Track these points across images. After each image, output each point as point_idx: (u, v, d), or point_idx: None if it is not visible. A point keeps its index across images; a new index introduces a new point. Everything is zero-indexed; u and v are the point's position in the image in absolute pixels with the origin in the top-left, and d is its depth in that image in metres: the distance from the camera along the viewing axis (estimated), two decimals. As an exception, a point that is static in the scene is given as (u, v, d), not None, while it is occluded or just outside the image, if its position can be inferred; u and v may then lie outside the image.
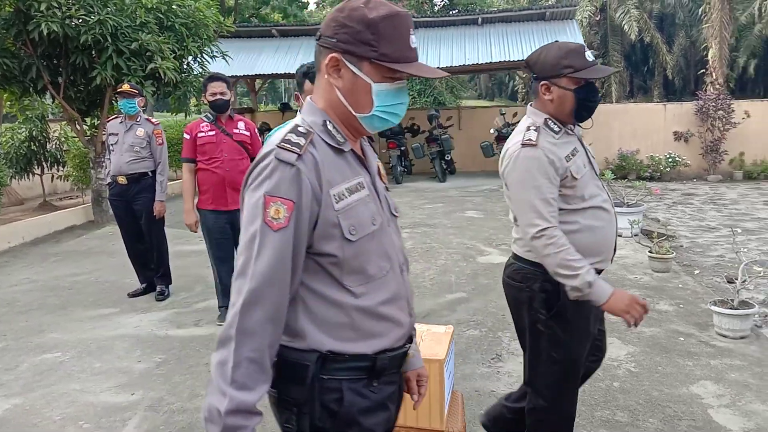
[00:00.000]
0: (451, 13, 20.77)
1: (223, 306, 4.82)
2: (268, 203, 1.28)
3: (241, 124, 4.70)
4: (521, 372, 3.77)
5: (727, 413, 3.26)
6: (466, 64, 11.58)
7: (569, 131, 2.25)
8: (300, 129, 1.36)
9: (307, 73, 2.83)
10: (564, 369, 2.27)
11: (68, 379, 3.90)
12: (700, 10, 22.15)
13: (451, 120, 13.59)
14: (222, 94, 4.48)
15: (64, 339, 4.58)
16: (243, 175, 4.61)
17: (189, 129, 4.62)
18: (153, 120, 5.52)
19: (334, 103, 1.39)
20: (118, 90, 5.40)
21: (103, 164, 8.98)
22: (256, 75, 12.84)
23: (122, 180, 5.32)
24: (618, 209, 7.23)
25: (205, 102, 4.56)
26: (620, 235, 7.17)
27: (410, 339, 1.53)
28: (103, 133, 8.81)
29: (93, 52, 7.74)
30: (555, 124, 2.19)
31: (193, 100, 9.30)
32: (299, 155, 1.30)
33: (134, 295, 5.53)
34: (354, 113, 1.39)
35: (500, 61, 11.71)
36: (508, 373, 3.80)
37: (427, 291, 5.43)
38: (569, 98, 2.14)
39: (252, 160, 4.82)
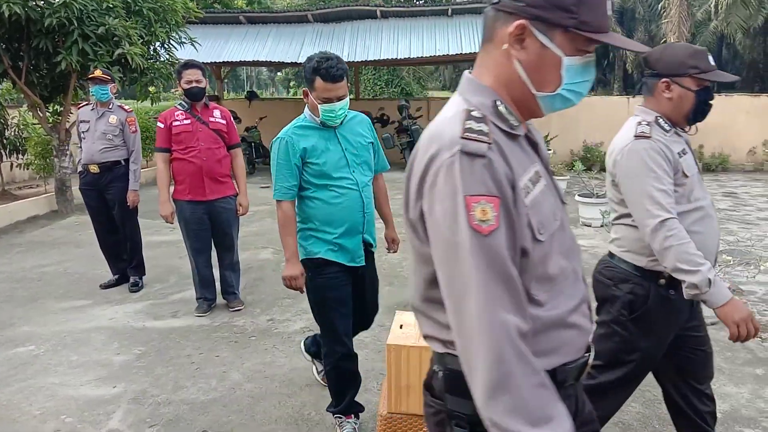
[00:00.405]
0: (420, 2, 20.77)
1: (201, 297, 4.78)
2: (470, 205, 1.07)
3: (216, 113, 4.60)
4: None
5: (704, 396, 3.38)
6: (437, 54, 11.61)
7: (678, 132, 2.21)
8: (475, 114, 1.15)
9: (318, 69, 2.64)
10: (625, 373, 2.26)
11: (45, 372, 3.80)
12: (660, 5, 22.69)
13: (421, 111, 13.63)
14: (198, 81, 4.38)
15: (36, 332, 4.45)
16: (220, 164, 4.37)
17: (163, 117, 4.49)
18: (126, 107, 5.38)
19: (510, 79, 1.19)
20: (90, 76, 5.24)
21: (67, 152, 8.74)
22: (223, 62, 12.62)
23: (94, 169, 5.18)
24: (587, 200, 7.42)
25: (180, 90, 4.47)
26: (590, 225, 7.36)
27: (589, 348, 1.33)
28: (68, 120, 8.58)
29: (57, 36, 7.47)
30: (666, 122, 2.17)
31: (152, 88, 9.04)
32: (489, 144, 1.11)
33: (107, 286, 5.41)
34: (534, 91, 1.19)
35: (470, 53, 11.77)
36: (492, 360, 3.86)
37: (405, 281, 5.45)
38: (690, 98, 2.12)
39: (229, 149, 4.46)
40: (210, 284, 4.79)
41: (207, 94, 4.57)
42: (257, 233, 7.33)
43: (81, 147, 5.28)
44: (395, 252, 3.38)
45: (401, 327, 2.32)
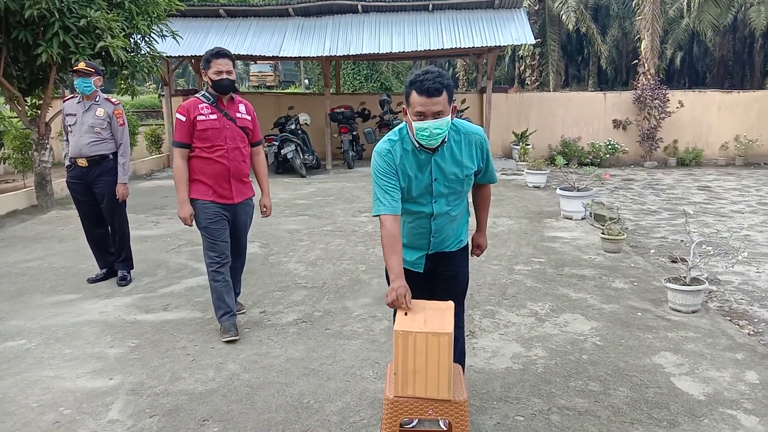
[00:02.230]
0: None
1: (228, 312, 4.16)
2: None
3: (242, 107, 4.18)
4: (495, 348, 3.97)
5: (688, 380, 3.52)
6: (418, 49, 11.68)
7: None
8: None
9: (414, 82, 2.45)
10: None
11: (39, 366, 3.78)
12: (634, 2, 23.04)
13: (402, 105, 13.68)
14: (228, 72, 3.93)
15: (26, 326, 4.42)
16: (246, 164, 4.11)
17: (185, 110, 3.98)
18: (113, 99, 5.34)
19: None
20: (74, 68, 5.19)
21: (47, 146, 8.62)
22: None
23: (83, 162, 5.14)
24: (568, 193, 7.57)
25: (210, 81, 3.95)
26: (571, 218, 7.51)
27: None
28: (47, 113, 8.45)
29: (37, 28, 7.35)
30: None
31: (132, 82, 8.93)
32: None
33: (95, 281, 5.38)
34: None
35: (450, 48, 11.86)
36: (483, 348, 3.96)
37: (394, 273, 5.52)
38: None
39: (253, 146, 4.19)
40: (231, 294, 4.26)
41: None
42: (243, 227, 7.32)
43: (67, 140, 5.22)
44: (478, 256, 3.32)
45: (406, 314, 2.39)
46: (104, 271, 5.45)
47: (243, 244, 4.42)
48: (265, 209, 4.37)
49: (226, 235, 4.13)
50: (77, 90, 5.16)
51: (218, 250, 4.09)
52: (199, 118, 3.97)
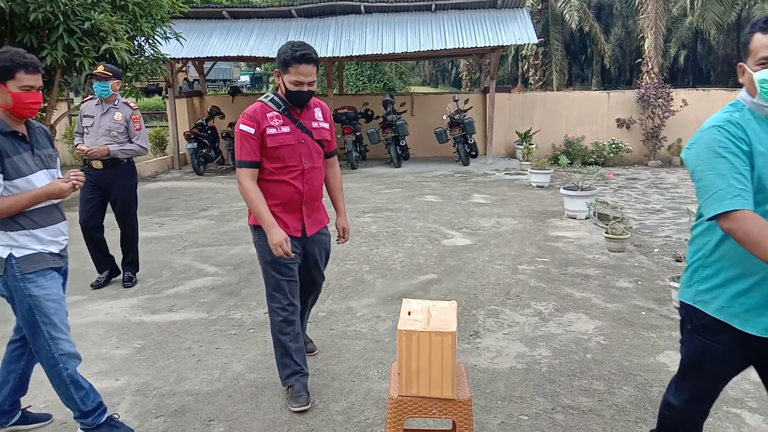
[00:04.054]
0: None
1: (298, 372, 3.31)
2: None
3: (318, 113, 3.31)
4: (499, 347, 3.97)
5: (692, 379, 3.52)
6: (421, 49, 11.69)
7: None
8: None
9: None
10: None
11: (46, 367, 3.80)
12: (637, 1, 23.01)
13: (405, 106, 13.72)
14: (310, 84, 3.09)
15: (32, 327, 4.45)
16: (321, 185, 3.36)
17: (252, 119, 3.11)
18: (131, 104, 5.28)
19: None
20: (92, 72, 5.18)
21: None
22: (207, 57, 12.55)
23: (98, 165, 5.08)
24: (572, 193, 7.57)
25: (284, 87, 3.11)
26: (575, 218, 7.51)
27: None
28: (53, 115, 8.50)
29: (42, 31, 7.40)
30: None
31: (137, 84, 8.99)
32: None
33: (98, 286, 5.30)
34: None
35: (453, 48, 11.87)
36: (487, 348, 3.97)
37: (398, 273, 5.54)
38: None
39: (327, 157, 3.41)
40: (303, 349, 3.40)
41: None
42: (246, 228, 7.31)
43: (83, 142, 5.15)
44: None
45: (409, 314, 2.40)
46: (105, 274, 5.40)
47: (319, 283, 3.60)
48: (343, 233, 3.55)
49: (297, 273, 3.29)
50: (95, 93, 5.16)
51: (287, 293, 3.22)
52: (270, 131, 3.11)
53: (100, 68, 5.09)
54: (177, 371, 3.71)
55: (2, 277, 2.73)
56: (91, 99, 5.28)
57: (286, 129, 3.14)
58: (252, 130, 3.09)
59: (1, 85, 2.64)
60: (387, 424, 2.38)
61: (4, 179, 2.64)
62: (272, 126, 3.12)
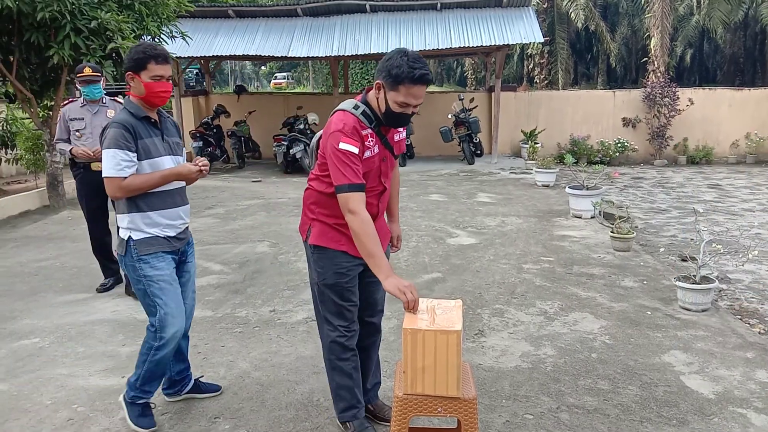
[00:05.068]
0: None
1: (359, 422, 2.94)
2: None
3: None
4: (504, 346, 3.97)
5: (698, 379, 3.52)
6: (427, 48, 11.68)
7: None
8: None
9: None
10: None
11: (52, 364, 3.83)
12: (643, 0, 22.94)
13: (410, 104, 13.69)
14: (416, 107, 2.62)
15: (39, 325, 4.48)
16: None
17: (354, 136, 2.60)
18: (119, 99, 5.26)
19: None
20: (80, 76, 5.02)
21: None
22: (213, 56, 12.58)
23: (97, 167, 4.80)
24: (578, 192, 7.55)
25: (384, 104, 2.60)
26: (580, 217, 7.50)
27: None
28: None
29: (49, 30, 7.43)
30: None
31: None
32: None
33: (105, 289, 5.21)
34: None
35: (459, 47, 11.86)
36: (492, 347, 3.97)
37: (402, 272, 5.54)
38: None
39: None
40: (360, 380, 3.01)
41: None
42: (252, 227, 7.37)
43: (77, 146, 5.03)
44: None
45: (413, 311, 2.41)
46: (111, 280, 5.28)
47: (382, 309, 3.10)
48: (398, 242, 3.16)
49: (358, 298, 2.91)
50: (86, 97, 5.04)
51: (349, 318, 2.87)
52: (366, 153, 2.67)
53: (88, 70, 4.98)
54: (183, 369, 3.72)
55: (123, 257, 2.99)
56: (71, 102, 5.17)
57: (376, 150, 2.71)
58: (356, 150, 2.59)
59: (135, 76, 2.87)
60: (392, 423, 2.39)
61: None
62: (368, 147, 2.67)
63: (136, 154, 2.88)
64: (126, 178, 2.85)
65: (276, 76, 47.00)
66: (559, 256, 6.02)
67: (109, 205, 5.13)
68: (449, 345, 2.26)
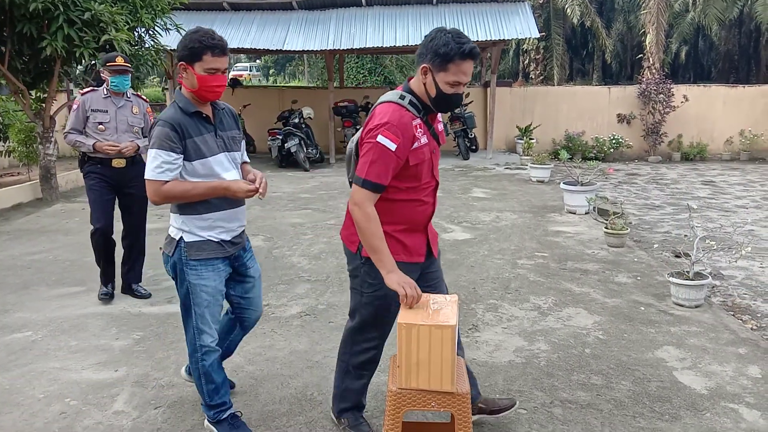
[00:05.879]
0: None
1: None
2: None
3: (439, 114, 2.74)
4: (498, 341, 3.98)
5: (691, 374, 3.53)
6: (422, 43, 11.64)
7: None
8: None
9: None
10: None
11: (45, 357, 3.81)
12: (639, -4, 22.94)
13: (405, 99, 13.67)
14: (465, 84, 2.52)
15: (32, 318, 4.45)
16: None
17: (397, 131, 2.46)
18: (142, 96, 4.98)
19: None
20: (111, 65, 4.59)
21: (52, 139, 8.65)
22: (206, 49, 12.50)
23: (120, 163, 4.65)
24: (572, 188, 7.56)
25: (434, 88, 2.47)
26: (575, 213, 7.51)
27: None
28: (52, 106, 8.46)
29: (42, 21, 7.36)
30: None
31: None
32: None
33: (108, 297, 4.80)
34: None
35: (455, 42, 11.82)
36: (486, 342, 3.97)
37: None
38: None
39: None
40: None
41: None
42: (248, 219, 7.33)
43: (99, 139, 4.62)
44: None
45: (410, 307, 2.40)
46: (111, 285, 4.90)
47: None
48: None
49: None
50: (113, 88, 4.65)
51: (385, 331, 2.81)
52: (415, 144, 2.52)
53: (120, 60, 4.64)
54: (176, 362, 3.71)
55: (171, 257, 2.76)
56: (92, 91, 4.78)
57: (425, 140, 2.56)
58: (395, 147, 2.43)
59: (188, 67, 2.59)
60: (386, 417, 2.39)
61: (184, 160, 2.63)
62: (417, 138, 2.51)
63: (181, 156, 2.60)
64: (167, 182, 2.59)
65: (236, 67, 38.06)
66: (554, 251, 6.03)
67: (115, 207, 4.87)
68: (444, 340, 2.26)
